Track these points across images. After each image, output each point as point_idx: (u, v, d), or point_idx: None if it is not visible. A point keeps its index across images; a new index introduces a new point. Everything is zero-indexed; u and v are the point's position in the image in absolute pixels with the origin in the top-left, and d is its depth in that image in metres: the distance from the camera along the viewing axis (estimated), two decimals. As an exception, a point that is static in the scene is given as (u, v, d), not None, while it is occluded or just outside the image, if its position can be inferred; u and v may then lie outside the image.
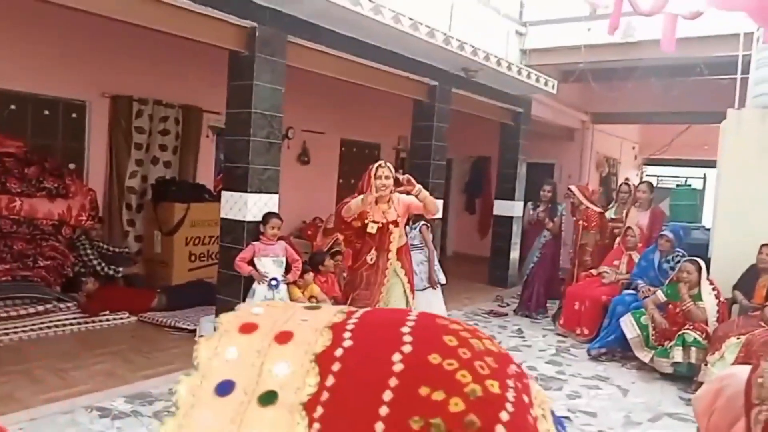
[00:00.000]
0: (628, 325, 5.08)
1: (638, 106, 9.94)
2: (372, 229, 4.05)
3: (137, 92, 6.21)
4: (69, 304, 5.10)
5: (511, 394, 0.63)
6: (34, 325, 4.71)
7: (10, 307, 4.82)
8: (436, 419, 0.61)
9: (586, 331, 5.84)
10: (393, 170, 4.15)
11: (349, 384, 0.64)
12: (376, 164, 4.09)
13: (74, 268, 5.37)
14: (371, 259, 4.06)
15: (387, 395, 0.62)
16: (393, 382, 0.63)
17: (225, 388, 0.66)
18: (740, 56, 5.87)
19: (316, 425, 0.62)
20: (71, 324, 4.90)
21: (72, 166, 5.86)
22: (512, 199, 8.42)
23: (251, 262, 4.44)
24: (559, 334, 6.07)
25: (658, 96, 9.02)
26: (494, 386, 0.65)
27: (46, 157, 5.37)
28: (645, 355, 4.97)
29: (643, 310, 5.09)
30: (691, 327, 4.69)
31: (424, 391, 0.63)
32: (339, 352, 0.67)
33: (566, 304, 6.11)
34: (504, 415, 0.63)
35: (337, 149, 8.83)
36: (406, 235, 4.49)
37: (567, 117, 10.21)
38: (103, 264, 5.54)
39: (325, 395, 0.63)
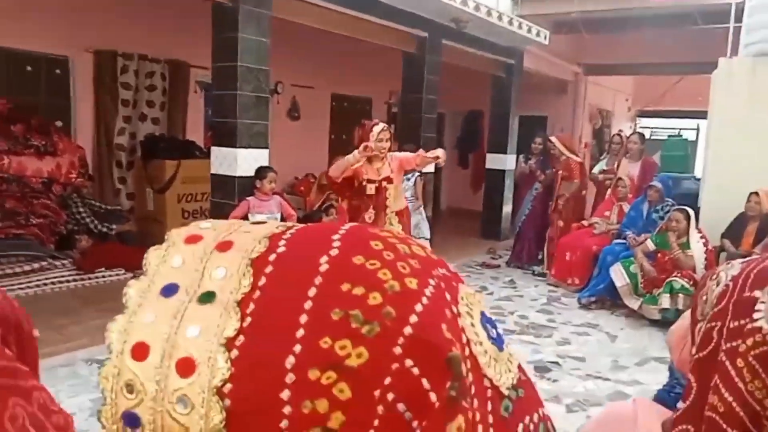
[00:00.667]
0: (618, 274, 5.17)
1: (631, 57, 9.82)
2: (370, 190, 4.08)
3: (121, 47, 6.08)
4: (64, 261, 5.12)
5: (429, 290, 0.70)
6: (30, 282, 4.74)
7: (5, 265, 4.83)
8: (354, 311, 0.67)
9: (577, 281, 5.93)
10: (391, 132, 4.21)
11: (279, 283, 0.71)
12: (378, 128, 4.07)
13: (67, 226, 5.36)
14: (369, 218, 4.07)
15: (311, 291, 0.69)
16: (318, 280, 0.70)
17: (170, 290, 0.74)
18: (734, 4, 5.79)
19: (248, 319, 0.69)
20: (67, 281, 4.93)
21: (59, 123, 5.78)
22: (504, 152, 8.40)
23: (245, 219, 4.43)
24: (550, 284, 6.16)
25: (651, 46, 8.92)
26: (412, 283, 0.71)
27: (31, 115, 5.29)
28: (634, 303, 5.07)
29: (632, 258, 5.17)
30: (679, 274, 4.78)
31: (345, 287, 0.69)
32: (272, 257, 0.74)
33: (557, 255, 6.18)
34: (418, 307, 0.68)
35: (328, 104, 8.73)
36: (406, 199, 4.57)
37: (559, 69, 10.09)
38: (96, 221, 5.53)
39: (257, 294, 0.71)
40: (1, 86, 5.35)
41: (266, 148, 4.74)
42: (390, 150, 4.22)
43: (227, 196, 4.62)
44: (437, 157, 4.14)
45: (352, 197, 4.25)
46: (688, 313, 1.23)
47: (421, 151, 4.33)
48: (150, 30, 6.21)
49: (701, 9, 6.97)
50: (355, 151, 4.01)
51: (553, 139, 6.64)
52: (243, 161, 4.55)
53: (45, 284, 4.77)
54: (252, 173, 4.56)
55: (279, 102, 7.71)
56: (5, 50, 5.38)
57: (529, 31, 7.12)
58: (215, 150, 4.68)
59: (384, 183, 4.12)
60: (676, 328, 1.28)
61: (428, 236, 5.86)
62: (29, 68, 5.62)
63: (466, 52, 7.27)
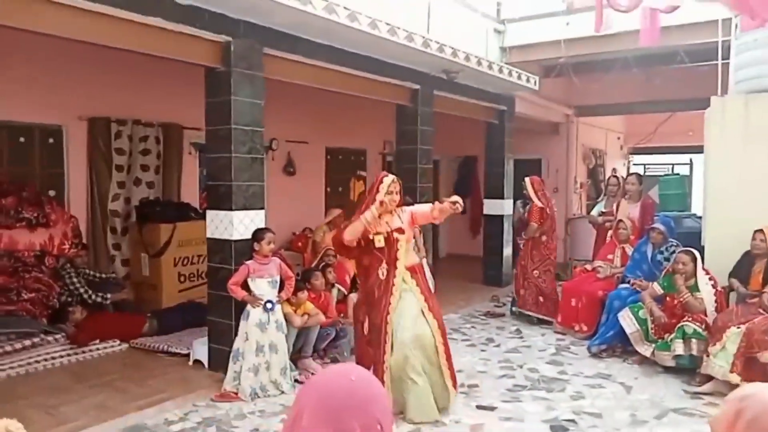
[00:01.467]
0: (627, 320, 5.03)
1: (621, 97, 9.93)
2: (380, 242, 3.83)
3: (115, 113, 6.08)
4: (57, 336, 4.95)
5: None
6: (21, 360, 4.57)
7: (-4, 343, 4.68)
8: None
9: (584, 328, 5.79)
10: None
11: None
12: (388, 180, 3.90)
13: (60, 298, 5.23)
14: (382, 274, 3.83)
15: None
16: None
17: None
18: (720, 42, 5.84)
19: None
20: (60, 356, 4.76)
21: (52, 193, 5.72)
22: (501, 197, 8.37)
23: (245, 284, 4.31)
24: (557, 332, 6.01)
25: (640, 85, 9.02)
26: None
27: (23, 186, 5.23)
28: (646, 349, 4.92)
29: (640, 303, 5.04)
30: (690, 318, 4.65)
31: None
32: None
33: (563, 301, 6.06)
34: None
35: (323, 158, 8.73)
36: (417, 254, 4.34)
37: (551, 112, 10.19)
38: (90, 291, 5.40)
39: None
40: (-6, 159, 5.32)
41: (262, 208, 4.66)
42: (402, 204, 4.02)
43: (224, 260, 4.51)
44: (456, 203, 3.67)
45: (360, 256, 3.99)
46: (732, 398, 1.13)
47: (436, 203, 3.90)
48: (142, 95, 6.23)
49: (687, 48, 7.06)
50: (372, 208, 3.82)
51: (526, 180, 6.57)
52: (239, 224, 4.46)
53: (37, 362, 4.60)
54: (248, 235, 4.47)
55: (274, 158, 7.70)
56: (-3, 123, 5.37)
57: (519, 77, 7.19)
58: (211, 213, 4.60)
59: (395, 234, 3.86)
60: (720, 417, 1.17)
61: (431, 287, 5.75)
62: (22, 139, 5.60)
63: (459, 101, 7.31)
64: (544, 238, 6.37)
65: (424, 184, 6.70)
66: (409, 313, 3.80)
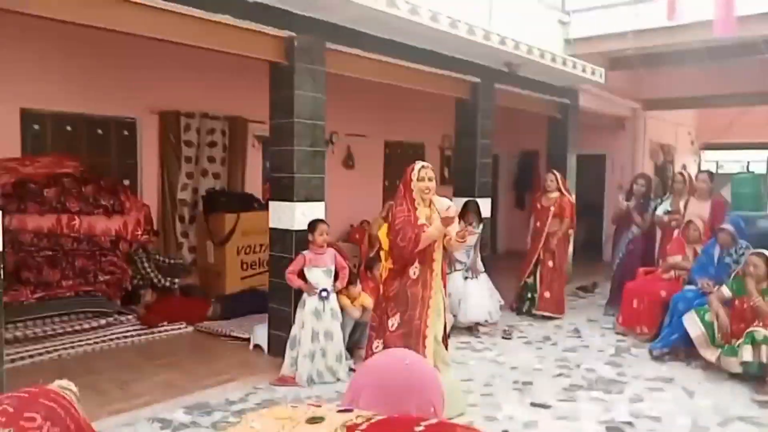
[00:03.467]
0: (692, 323, 4.85)
1: (693, 90, 9.50)
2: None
3: (184, 106, 6.35)
4: (129, 317, 5.27)
5: None
6: (97, 338, 4.89)
7: (75, 321, 5.02)
8: None
9: (646, 330, 5.62)
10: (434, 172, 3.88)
11: None
12: (418, 165, 3.75)
13: (133, 281, 5.55)
14: (414, 274, 3.70)
15: None
16: None
17: None
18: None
19: None
20: (131, 336, 5.06)
21: (126, 182, 6.05)
22: (563, 193, 8.19)
23: (301, 273, 4.44)
24: (618, 333, 5.86)
25: (713, 78, 8.61)
26: None
27: (101, 175, 5.56)
28: (711, 354, 4.72)
29: (706, 306, 4.85)
30: (761, 324, 4.43)
31: None
32: None
33: (624, 302, 5.90)
34: None
35: (382, 151, 8.81)
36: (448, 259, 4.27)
37: (617, 106, 9.86)
38: (160, 276, 5.70)
39: None
40: (76, 149, 5.68)
41: (322, 200, 4.76)
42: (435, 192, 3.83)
43: (285, 250, 4.64)
44: (462, 239, 3.61)
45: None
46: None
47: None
48: (210, 89, 6.47)
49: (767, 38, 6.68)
50: (437, 223, 3.64)
51: (555, 174, 6.61)
52: (300, 215, 4.58)
53: (111, 339, 4.91)
54: (307, 226, 4.58)
55: (334, 152, 7.82)
56: (78, 116, 5.72)
57: (584, 70, 7.00)
58: (273, 204, 4.75)
59: None
60: None
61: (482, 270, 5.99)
62: (100, 131, 5.94)
63: (520, 95, 7.20)
64: (570, 232, 6.46)
65: (483, 180, 6.65)
66: (437, 310, 3.80)
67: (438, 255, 3.78)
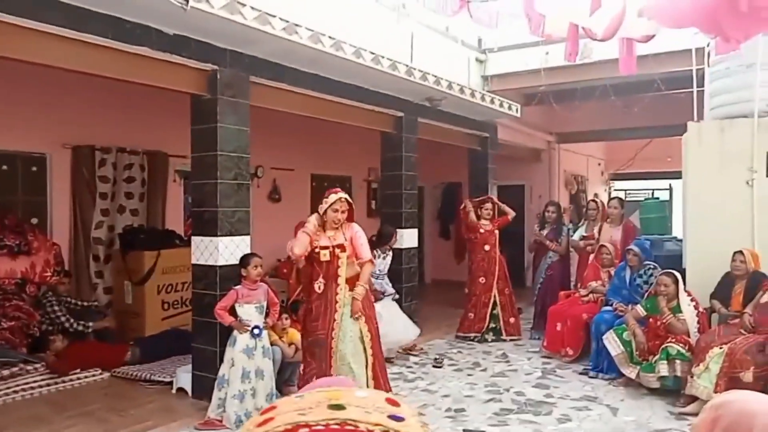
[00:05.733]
0: (612, 342, 5.06)
1: (601, 124, 10.15)
2: (324, 256, 4.03)
3: (99, 141, 6.08)
4: (37, 365, 4.86)
5: None
6: (-1, 390, 4.47)
7: (-27, 374, 4.58)
8: None
9: (570, 352, 5.82)
10: (350, 201, 4.11)
11: None
12: (336, 195, 4.05)
13: (41, 327, 5.15)
14: (319, 288, 4.02)
15: None
16: None
17: None
18: (694, 71, 6.03)
19: None
20: (40, 386, 4.66)
21: (34, 220, 5.67)
22: (486, 222, 8.44)
23: (232, 310, 4.30)
24: (544, 357, 6.02)
25: (619, 113, 9.22)
26: None
27: (5, 214, 5.19)
28: (631, 371, 4.94)
29: (624, 326, 5.08)
30: (674, 340, 4.69)
31: None
32: None
33: (548, 325, 6.09)
34: None
35: (308, 184, 8.77)
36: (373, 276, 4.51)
37: (533, 139, 10.37)
38: (72, 320, 5.32)
39: None
40: (-24, 187, 5.28)
41: (247, 234, 4.66)
42: (351, 218, 4.12)
43: (209, 287, 4.48)
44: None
45: (306, 269, 4.18)
46: (708, 407, 1.16)
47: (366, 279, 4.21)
48: (128, 123, 6.25)
49: (663, 76, 7.25)
50: (311, 218, 4.06)
51: (493, 199, 7.19)
52: (224, 250, 4.45)
53: (15, 392, 4.50)
54: (234, 261, 4.46)
55: (259, 185, 7.73)
56: (-20, 151, 5.34)
57: (501, 105, 7.33)
58: (196, 240, 4.59)
59: (337, 250, 4.06)
60: (698, 424, 1.19)
61: (392, 291, 6.10)
62: (5, 167, 5.57)
63: (442, 128, 7.41)
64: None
65: (409, 210, 6.74)
66: (348, 331, 3.98)
67: (343, 271, 3.97)
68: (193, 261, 4.60)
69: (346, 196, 4.09)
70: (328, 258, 4.01)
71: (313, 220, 4.04)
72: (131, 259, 6.01)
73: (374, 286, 5.84)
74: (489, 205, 6.95)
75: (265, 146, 7.09)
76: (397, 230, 6.43)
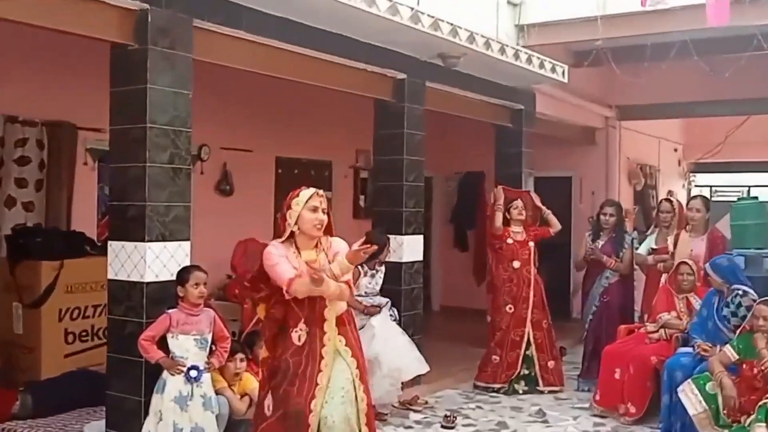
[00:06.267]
0: (690, 397, 5.06)
1: (678, 95, 10.18)
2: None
3: (-19, 107, 6.09)
4: None
5: None
6: None
7: None
8: None
9: (632, 409, 5.84)
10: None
11: None
12: (307, 192, 3.80)
13: None
14: (299, 338, 3.73)
15: None
16: None
17: None
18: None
19: None
20: None
21: None
22: (518, 228, 8.47)
23: (163, 342, 4.29)
24: (596, 415, 6.05)
25: (704, 80, 9.23)
26: None
27: None
28: (716, 437, 4.96)
29: (708, 374, 5.10)
30: (776, 394, 4.71)
31: None
32: None
33: (603, 372, 6.11)
34: None
35: (272, 172, 8.77)
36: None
37: (585, 113, 10.40)
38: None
39: None
40: None
41: (187, 239, 4.67)
42: (331, 230, 3.91)
43: (132, 311, 4.48)
44: (364, 250, 3.74)
45: (271, 302, 3.86)
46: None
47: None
48: (21, 82, 6.22)
49: (766, 30, 7.26)
50: (275, 245, 3.78)
51: (533, 196, 7.23)
52: (155, 260, 4.44)
53: None
54: (168, 276, 4.47)
55: (204, 172, 7.72)
56: None
57: (542, 65, 7.35)
58: (114, 246, 4.59)
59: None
60: None
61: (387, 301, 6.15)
62: None
63: (459, 96, 7.43)
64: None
65: (412, 209, 6.75)
66: (338, 388, 3.75)
67: (331, 312, 3.78)
68: (110, 276, 4.60)
69: (322, 191, 3.93)
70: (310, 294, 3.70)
71: (279, 246, 3.76)
72: (22, 272, 6.00)
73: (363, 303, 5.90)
74: (519, 203, 6.96)
75: (213, 118, 7.09)
76: (394, 237, 6.43)
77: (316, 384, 3.68)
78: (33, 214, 6.42)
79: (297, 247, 3.78)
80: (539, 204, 7.15)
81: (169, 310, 4.33)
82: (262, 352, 4.13)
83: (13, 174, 6.28)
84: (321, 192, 3.85)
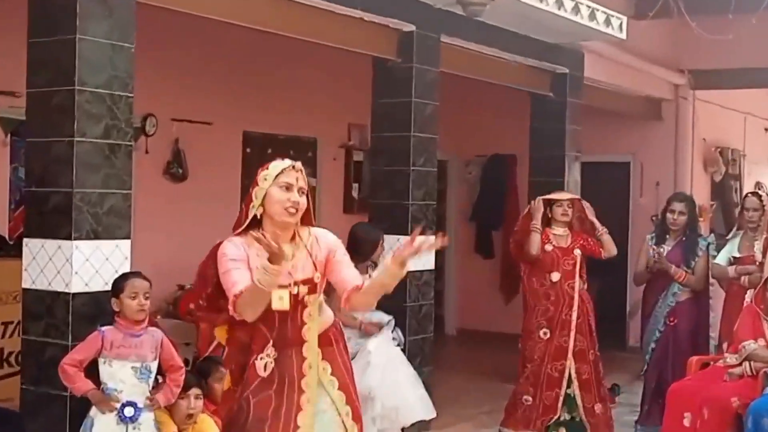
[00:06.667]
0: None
1: (769, 57, 10.16)
2: (279, 302, 3.48)
3: None
4: None
5: None
6: None
7: None
8: None
9: (706, 466, 5.84)
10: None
11: None
12: (281, 164, 3.65)
13: None
14: (265, 368, 3.61)
15: None
16: None
17: None
18: None
19: None
20: None
21: None
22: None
23: (92, 370, 4.28)
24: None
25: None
26: None
27: None
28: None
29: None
30: None
31: None
32: None
33: (668, 417, 6.11)
34: None
35: (239, 151, 8.78)
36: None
37: (648, 80, 10.37)
38: None
39: None
40: None
41: (126, 238, 4.67)
42: (310, 219, 3.80)
43: (53, 331, 4.48)
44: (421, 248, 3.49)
45: (233, 325, 3.77)
46: None
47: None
48: None
49: None
50: (233, 242, 3.59)
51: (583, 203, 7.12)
52: (84, 264, 4.44)
53: None
54: (101, 287, 4.47)
55: (149, 151, 7.72)
56: None
57: (593, 16, 7.34)
58: (31, 245, 4.60)
59: (301, 290, 3.63)
60: None
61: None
62: None
63: (484, 56, 7.44)
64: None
65: (421, 202, 6.75)
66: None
67: (312, 332, 3.66)
68: (25, 284, 4.61)
69: (299, 164, 3.80)
70: (285, 306, 3.56)
71: (237, 243, 3.60)
72: None
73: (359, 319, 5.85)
74: (566, 201, 6.90)
75: (162, 80, 7.09)
76: (397, 238, 6.40)
77: (296, 427, 3.58)
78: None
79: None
80: (593, 219, 6.99)
81: (103, 327, 4.29)
82: (222, 385, 4.09)
83: None
84: (299, 165, 3.68)
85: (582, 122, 8.73)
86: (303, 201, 3.60)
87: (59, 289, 4.47)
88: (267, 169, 3.63)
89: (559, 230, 6.80)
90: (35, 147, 4.68)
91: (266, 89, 8.56)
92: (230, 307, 3.45)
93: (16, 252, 5.37)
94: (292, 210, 3.55)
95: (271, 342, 3.59)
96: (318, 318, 3.72)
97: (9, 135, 6.86)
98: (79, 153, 4.43)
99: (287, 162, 3.65)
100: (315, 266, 3.68)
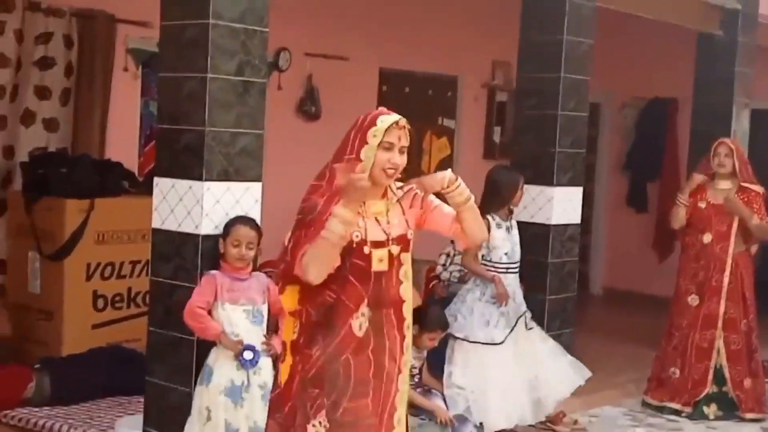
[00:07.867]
0: None
1: None
2: (379, 262, 3.47)
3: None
4: None
5: None
6: None
7: None
8: None
9: None
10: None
11: None
12: (388, 118, 3.46)
13: None
14: (360, 326, 3.53)
15: None
16: None
17: None
18: None
19: None
20: None
21: None
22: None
23: (210, 309, 4.38)
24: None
25: None
26: None
27: None
28: None
29: None
30: None
31: None
32: None
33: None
34: None
35: (374, 89, 8.85)
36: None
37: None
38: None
39: None
40: None
41: (258, 180, 4.78)
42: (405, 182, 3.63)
43: (182, 272, 4.60)
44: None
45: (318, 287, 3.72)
46: None
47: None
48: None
49: None
50: (336, 215, 3.28)
51: (731, 144, 6.73)
52: (215, 206, 4.55)
53: None
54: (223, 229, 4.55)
55: (282, 87, 7.85)
56: None
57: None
58: (162, 184, 4.73)
59: (395, 247, 3.55)
60: None
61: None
62: None
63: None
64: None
65: (569, 150, 6.68)
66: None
67: (407, 290, 3.58)
68: (155, 224, 4.73)
69: (404, 121, 3.68)
70: (385, 267, 3.53)
71: (342, 215, 3.50)
72: (41, 212, 6.20)
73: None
74: (723, 154, 6.69)
75: (296, 13, 7.17)
76: (541, 189, 6.38)
77: (397, 390, 3.56)
78: (57, 136, 6.67)
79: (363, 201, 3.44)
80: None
81: (212, 271, 4.42)
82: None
83: (32, 81, 6.52)
84: (403, 122, 3.57)
85: (755, 66, 8.47)
86: (403, 160, 3.48)
87: (189, 231, 4.58)
88: (375, 124, 3.44)
89: (722, 184, 6.59)
90: (167, 83, 4.77)
91: (404, 23, 8.56)
92: (296, 264, 3.36)
93: (145, 190, 5.45)
94: (392, 172, 3.45)
95: (366, 301, 3.49)
96: (410, 278, 3.66)
97: (140, 68, 7.00)
98: (212, 90, 4.51)
99: (394, 117, 3.48)
100: (407, 222, 3.62)
